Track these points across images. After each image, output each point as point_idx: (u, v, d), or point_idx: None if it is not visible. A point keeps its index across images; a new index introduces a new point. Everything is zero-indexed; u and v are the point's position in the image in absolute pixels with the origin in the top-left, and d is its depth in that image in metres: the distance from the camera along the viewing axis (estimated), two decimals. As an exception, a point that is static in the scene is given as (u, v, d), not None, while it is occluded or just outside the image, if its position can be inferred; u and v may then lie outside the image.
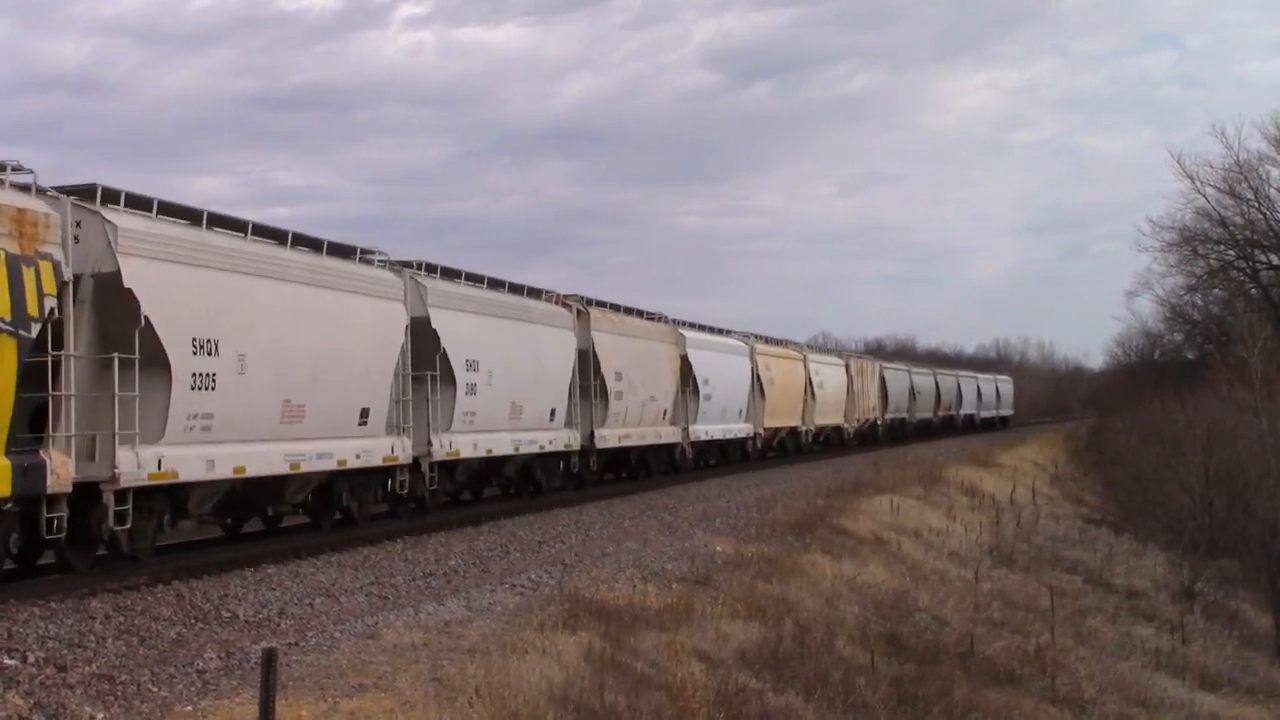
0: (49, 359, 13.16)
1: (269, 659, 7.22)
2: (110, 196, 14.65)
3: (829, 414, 48.76)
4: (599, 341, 28.04)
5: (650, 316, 33.19)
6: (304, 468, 17.41)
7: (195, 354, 15.03)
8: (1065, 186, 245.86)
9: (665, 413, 32.03)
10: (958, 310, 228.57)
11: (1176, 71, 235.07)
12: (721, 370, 36.33)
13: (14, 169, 13.55)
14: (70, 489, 13.22)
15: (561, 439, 26.11)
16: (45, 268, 12.97)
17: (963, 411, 77.75)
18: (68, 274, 13.39)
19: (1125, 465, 45.63)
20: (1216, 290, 67.29)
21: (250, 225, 16.94)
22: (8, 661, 9.81)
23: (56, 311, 13.12)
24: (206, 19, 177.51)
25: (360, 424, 18.82)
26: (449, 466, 22.01)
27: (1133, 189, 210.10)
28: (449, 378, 21.48)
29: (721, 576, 16.24)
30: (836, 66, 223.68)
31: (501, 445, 23.43)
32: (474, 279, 23.69)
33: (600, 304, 29.61)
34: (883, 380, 58.74)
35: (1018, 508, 34.12)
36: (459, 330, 21.88)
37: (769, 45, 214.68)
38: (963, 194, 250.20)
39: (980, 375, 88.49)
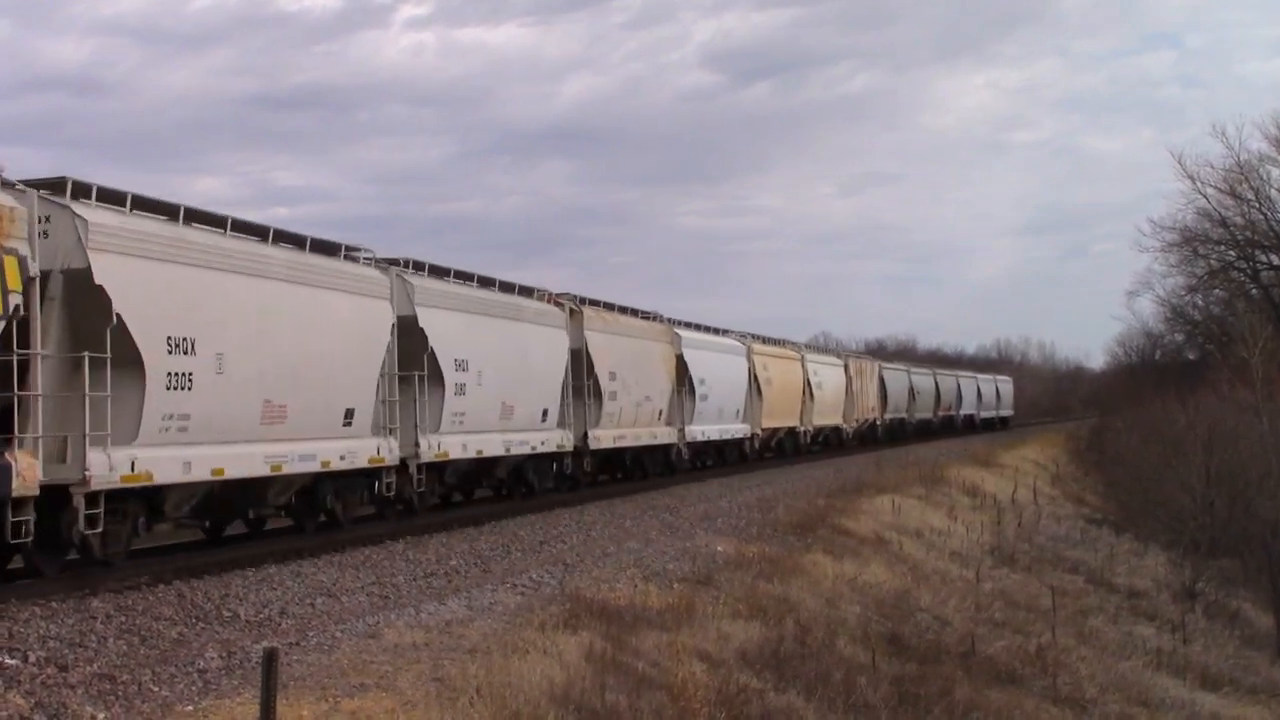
0: (14, 358, 12.78)
1: (270, 659, 7.21)
2: (81, 190, 14.23)
3: (827, 414, 48.50)
4: (592, 341, 27.70)
5: (645, 315, 32.84)
6: (286, 470, 17.01)
7: (171, 353, 14.62)
8: (1065, 186, 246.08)
9: (661, 413, 31.66)
10: (958, 310, 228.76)
11: (1177, 71, 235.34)
12: (718, 370, 36.02)
13: None
14: (37, 492, 12.81)
15: (554, 440, 25.73)
16: (10, 263, 12.51)
17: (962, 412, 77.53)
18: (34, 269, 12.97)
19: (1126, 465, 45.63)
20: (1217, 290, 67.36)
21: (229, 221, 16.57)
22: (9, 661, 9.80)
23: (23, 308, 12.72)
24: (206, 19, 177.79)
25: (345, 425, 18.44)
26: (437, 468, 21.65)
27: (1133, 189, 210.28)
28: (437, 378, 21.10)
29: (723, 576, 16.24)
30: (836, 66, 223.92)
31: (492, 446, 23.08)
32: (463, 277, 23.36)
33: (594, 303, 29.29)
34: (882, 380, 58.55)
35: (1019, 508, 34.12)
36: (447, 329, 21.51)
37: (769, 45, 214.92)
38: (963, 194, 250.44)
39: (980, 375, 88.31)
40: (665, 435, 32.23)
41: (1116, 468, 48.03)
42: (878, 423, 57.48)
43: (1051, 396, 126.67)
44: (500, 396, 23.24)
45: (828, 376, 48.43)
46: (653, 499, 26.30)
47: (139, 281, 14.25)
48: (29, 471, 12.67)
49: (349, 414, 18.51)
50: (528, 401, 24.43)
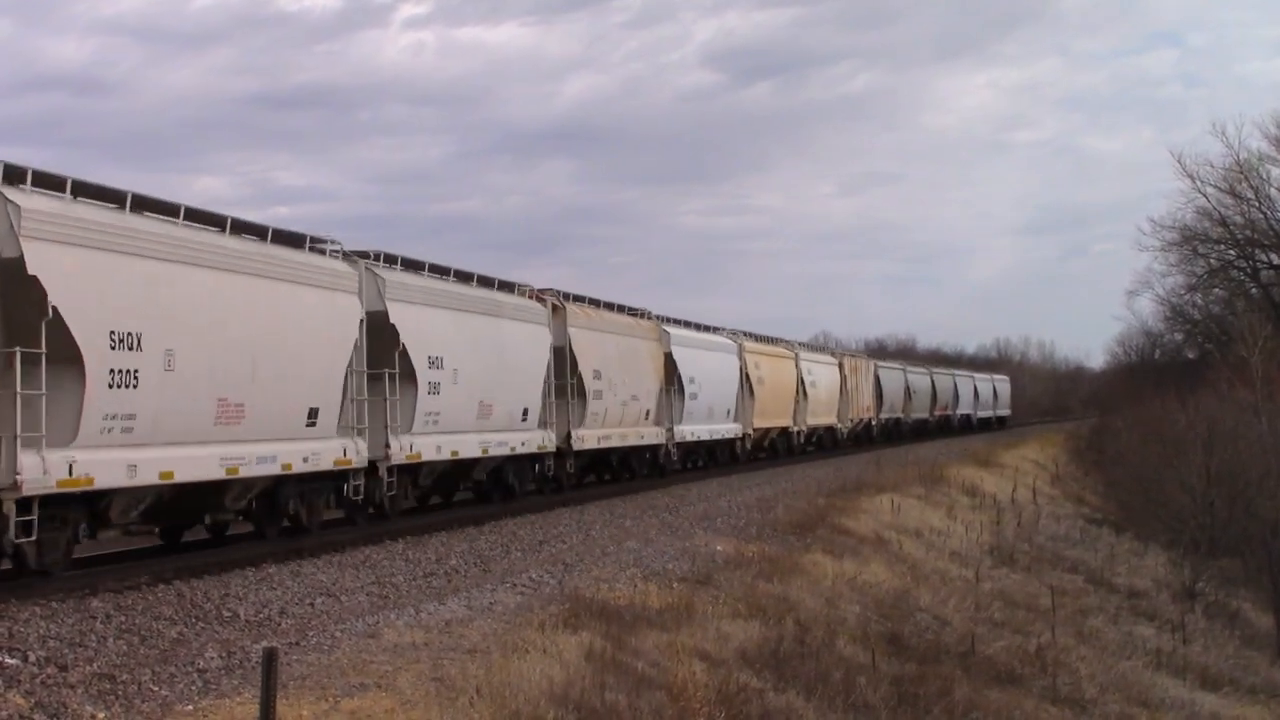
0: None
1: (270, 658, 7.21)
2: (15, 175, 13.32)
3: (821, 414, 47.84)
4: (576, 338, 26.95)
5: (633, 312, 32.13)
6: (243, 472, 16.11)
7: (114, 348, 13.65)
8: (1066, 186, 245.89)
9: (648, 413, 30.94)
10: (958, 310, 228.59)
11: (1178, 71, 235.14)
12: (708, 369, 35.32)
13: None
14: None
15: (535, 440, 24.88)
16: None
17: (959, 411, 76.99)
18: None
19: (1126, 465, 45.62)
20: (1217, 290, 67.40)
21: (182, 210, 15.65)
22: (9, 661, 9.80)
23: None
24: (207, 18, 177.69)
25: (308, 425, 17.54)
26: (410, 470, 20.86)
27: (1133, 188, 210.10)
28: (409, 376, 20.20)
29: (722, 576, 16.25)
30: (837, 66, 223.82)
31: (468, 447, 22.20)
32: (439, 271, 22.52)
33: (578, 298, 28.61)
34: (877, 379, 58.04)
35: (1019, 507, 34.12)
36: (421, 325, 20.68)
37: (770, 45, 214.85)
38: (963, 194, 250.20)
39: (977, 375, 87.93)
40: (653, 435, 31.50)
41: (1116, 467, 48.03)
42: (873, 423, 56.98)
43: (1051, 396, 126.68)
44: (477, 395, 22.47)
45: (822, 375, 47.81)
46: (652, 499, 26.29)
47: (79, 272, 13.36)
48: None
49: (313, 413, 17.64)
50: (507, 401, 23.63)
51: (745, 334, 40.84)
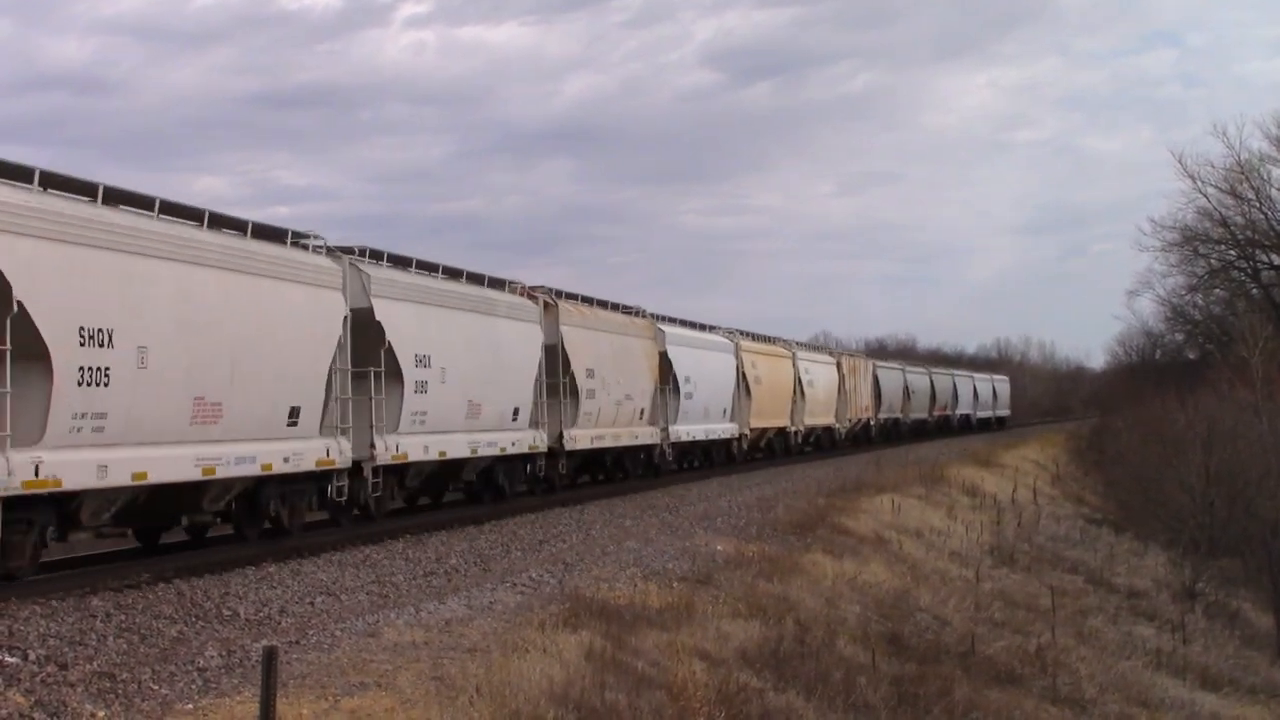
0: None
1: (270, 657, 7.21)
2: None
3: (819, 414, 47.51)
4: (569, 336, 26.49)
5: (627, 310, 31.71)
6: (221, 473, 15.61)
7: (84, 345, 13.17)
8: (1065, 186, 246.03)
9: (642, 412, 30.52)
10: (958, 310, 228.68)
11: (1177, 70, 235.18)
12: (704, 368, 34.92)
13: None
14: None
15: (526, 440, 24.40)
16: None
17: (959, 411, 76.72)
18: None
19: (1126, 465, 45.65)
20: (1217, 290, 67.39)
21: (158, 203, 15.15)
22: (9, 659, 9.80)
23: None
24: (208, 18, 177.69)
25: (290, 424, 17.10)
26: (396, 471, 20.36)
27: (1133, 188, 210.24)
28: (395, 374, 19.72)
29: (722, 576, 16.25)
30: (837, 66, 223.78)
31: (457, 447, 21.70)
32: (427, 267, 22.04)
33: (571, 296, 28.17)
34: (876, 379, 57.72)
35: (1019, 507, 34.13)
36: (407, 322, 20.23)
37: (769, 44, 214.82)
38: (963, 194, 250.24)
39: (977, 375, 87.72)
40: (647, 435, 31.09)
41: (1116, 467, 48.05)
42: (871, 423, 56.64)
43: (1052, 396, 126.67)
44: (466, 395, 21.97)
45: (819, 375, 47.47)
46: (652, 499, 26.29)
47: (45, 266, 12.86)
48: None
49: (294, 413, 17.20)
50: (497, 400, 23.16)
51: (742, 333, 40.47)
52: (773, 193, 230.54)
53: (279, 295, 17.02)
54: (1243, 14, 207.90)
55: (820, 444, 49.13)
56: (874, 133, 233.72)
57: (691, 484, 30.72)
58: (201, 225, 15.98)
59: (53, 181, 13.79)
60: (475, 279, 23.74)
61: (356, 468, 19.01)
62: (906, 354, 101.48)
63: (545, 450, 25.42)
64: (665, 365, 32.09)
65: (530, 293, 25.97)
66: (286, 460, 17.02)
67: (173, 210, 15.56)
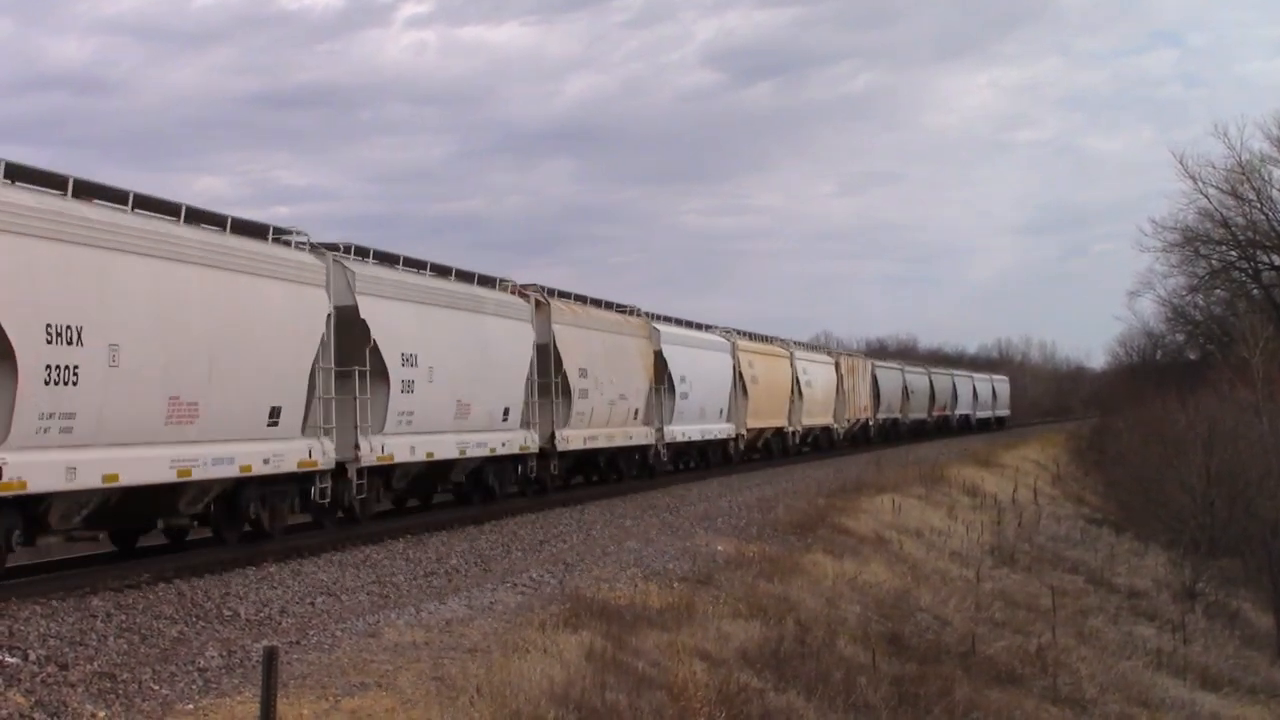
0: None
1: (270, 657, 7.22)
2: None
3: (817, 414, 47.06)
4: (561, 335, 26.05)
5: (621, 309, 31.29)
6: (197, 475, 15.15)
7: (51, 342, 12.75)
8: (1066, 186, 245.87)
9: (637, 412, 30.06)
10: (959, 310, 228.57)
11: (1178, 70, 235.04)
12: (700, 367, 34.48)
13: None
14: None
15: (516, 441, 23.90)
16: None
17: (958, 411, 76.37)
18: None
19: (1127, 465, 45.65)
20: (1218, 291, 67.42)
21: (131, 196, 14.67)
22: (9, 659, 9.80)
23: None
24: (209, 17, 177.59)
25: (270, 425, 16.62)
26: (382, 472, 19.91)
27: (1133, 188, 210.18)
28: (381, 374, 19.29)
29: (723, 576, 16.25)
30: (838, 66, 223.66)
31: (445, 448, 21.22)
32: (414, 265, 21.67)
33: (564, 294, 27.77)
34: (875, 379, 57.27)
35: (1019, 507, 34.13)
36: (394, 321, 19.79)
37: (770, 44, 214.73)
38: (963, 193, 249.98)
39: (976, 375, 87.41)
40: (642, 436, 30.62)
41: (1117, 468, 48.06)
42: (870, 423, 56.23)
43: (1052, 396, 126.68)
44: (455, 394, 21.50)
45: (817, 375, 47.04)
46: (652, 499, 26.30)
47: (10, 261, 12.47)
48: None
49: (275, 413, 16.72)
50: (486, 400, 22.68)
51: (739, 332, 40.12)
52: (774, 193, 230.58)
53: (259, 292, 16.60)
54: (1244, 14, 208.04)
55: (818, 444, 48.70)
56: (875, 133, 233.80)
57: (691, 484, 30.71)
58: (178, 220, 15.58)
59: (20, 174, 13.40)
60: (464, 276, 23.37)
61: (340, 469, 18.56)
62: (907, 354, 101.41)
63: (537, 451, 24.99)
64: (660, 365, 31.75)
65: (521, 291, 25.60)
66: (267, 461, 16.55)
67: (148, 204, 15.12)
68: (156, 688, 9.23)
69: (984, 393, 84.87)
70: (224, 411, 15.61)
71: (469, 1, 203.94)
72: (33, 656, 9.97)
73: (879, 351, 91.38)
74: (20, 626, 11.14)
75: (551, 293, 26.90)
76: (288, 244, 18.01)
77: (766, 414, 41.01)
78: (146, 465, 14.36)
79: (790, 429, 44.01)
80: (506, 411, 23.64)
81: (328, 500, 18.31)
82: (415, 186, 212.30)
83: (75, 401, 13.09)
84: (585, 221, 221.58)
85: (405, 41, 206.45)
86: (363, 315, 18.95)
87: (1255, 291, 64.26)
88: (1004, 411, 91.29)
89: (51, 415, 12.86)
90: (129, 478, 14.08)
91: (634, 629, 12.36)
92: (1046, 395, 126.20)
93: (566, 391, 26.16)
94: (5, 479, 12.37)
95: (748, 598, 15.15)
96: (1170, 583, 28.64)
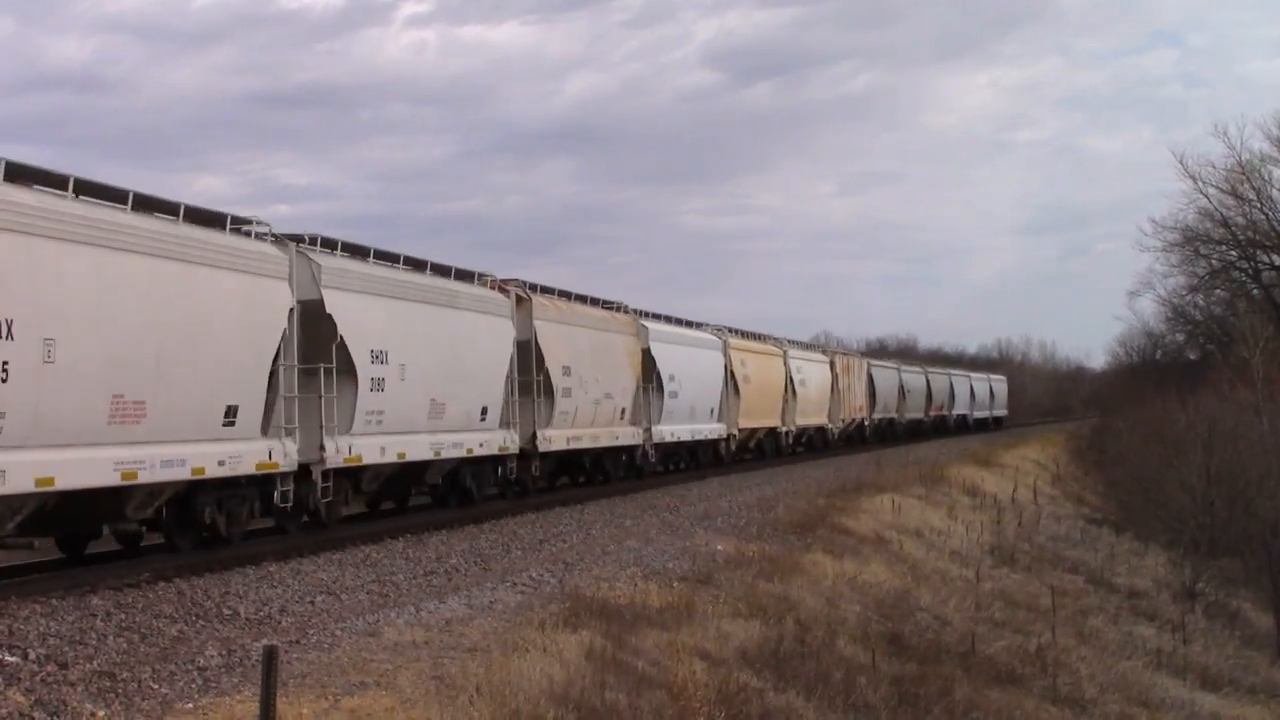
0: None
1: (270, 657, 7.21)
2: None
3: (811, 414, 46.32)
4: (543, 331, 25.17)
5: (607, 305, 30.52)
6: (144, 478, 14.22)
7: None
8: (1066, 186, 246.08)
9: (623, 412, 29.24)
10: (959, 310, 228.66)
11: (1178, 71, 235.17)
12: (690, 366, 33.62)
13: None
14: None
15: (495, 441, 23.02)
16: None
17: (955, 411, 75.93)
18: None
19: (1127, 465, 45.64)
20: (1218, 290, 67.44)
21: (72, 181, 13.79)
22: (9, 658, 9.80)
23: None
24: (209, 17, 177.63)
25: (226, 425, 15.72)
26: (350, 474, 19.09)
27: (1134, 188, 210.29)
28: (349, 371, 18.42)
29: (723, 575, 16.25)
30: (838, 66, 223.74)
31: (418, 449, 20.36)
32: (386, 258, 20.75)
33: (546, 290, 26.91)
34: (870, 378, 56.68)
35: (1019, 507, 34.13)
36: (363, 316, 18.93)
37: (770, 44, 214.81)
38: (963, 194, 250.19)
39: (973, 374, 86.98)
40: (628, 436, 29.78)
41: (1117, 467, 48.05)
42: (865, 423, 55.71)
43: (1052, 396, 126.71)
44: (428, 393, 20.65)
45: (812, 374, 46.31)
46: (652, 499, 26.30)
47: None
48: None
49: (231, 412, 15.79)
50: (463, 399, 21.79)
51: (731, 330, 39.35)
52: (774, 193, 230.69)
53: (214, 285, 15.66)
54: (1244, 14, 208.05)
55: (812, 445, 47.88)
56: (875, 133, 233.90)
57: (691, 484, 30.70)
58: (125, 207, 14.64)
59: None
60: (440, 270, 22.40)
61: (305, 471, 17.68)
62: (907, 354, 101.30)
63: (517, 452, 24.14)
64: (648, 363, 30.94)
65: (502, 286, 24.75)
66: (222, 463, 15.63)
67: (91, 190, 14.24)
68: (156, 687, 9.23)
69: (981, 392, 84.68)
70: (174, 410, 14.72)
71: (469, 1, 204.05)
72: (32, 655, 9.97)
73: (879, 351, 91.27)
74: (20, 625, 11.14)
75: (534, 288, 26.14)
76: (247, 234, 17.09)
77: (759, 414, 40.30)
78: (86, 468, 13.45)
79: (783, 429, 43.27)
80: (485, 411, 22.84)
81: (289, 504, 17.40)
82: (415, 186, 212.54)
83: (5, 400, 12.25)
84: (585, 221, 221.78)
85: (405, 41, 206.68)
86: (329, 310, 18.14)
87: (1255, 291, 64.28)
88: (1001, 411, 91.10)
89: None
90: (66, 481, 13.16)
91: (634, 628, 12.35)
92: (1046, 395, 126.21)
93: (549, 390, 25.37)
94: None
95: (747, 597, 15.15)
96: (1170, 583, 28.64)
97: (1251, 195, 62.84)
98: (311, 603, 13.18)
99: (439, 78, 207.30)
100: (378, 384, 19.13)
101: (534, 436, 24.83)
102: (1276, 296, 63.10)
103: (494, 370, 23.30)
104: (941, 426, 71.22)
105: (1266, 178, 62.56)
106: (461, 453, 21.86)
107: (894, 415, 61.60)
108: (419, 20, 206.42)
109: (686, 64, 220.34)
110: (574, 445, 26.86)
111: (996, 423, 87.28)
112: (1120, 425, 56.71)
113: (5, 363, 12.21)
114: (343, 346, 18.33)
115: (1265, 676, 22.83)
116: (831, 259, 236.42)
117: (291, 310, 17.33)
